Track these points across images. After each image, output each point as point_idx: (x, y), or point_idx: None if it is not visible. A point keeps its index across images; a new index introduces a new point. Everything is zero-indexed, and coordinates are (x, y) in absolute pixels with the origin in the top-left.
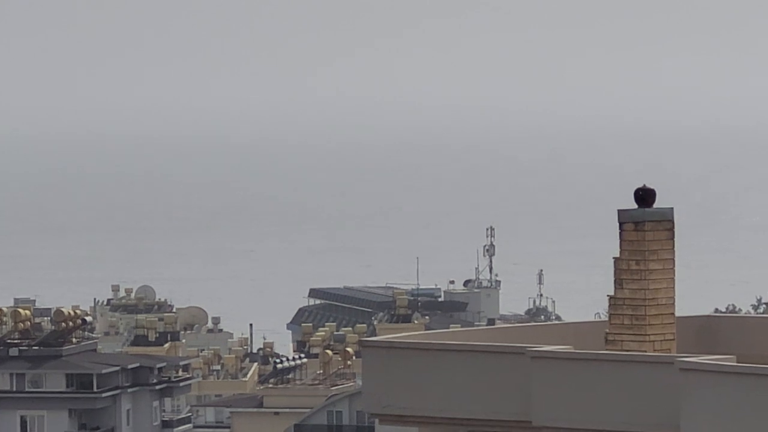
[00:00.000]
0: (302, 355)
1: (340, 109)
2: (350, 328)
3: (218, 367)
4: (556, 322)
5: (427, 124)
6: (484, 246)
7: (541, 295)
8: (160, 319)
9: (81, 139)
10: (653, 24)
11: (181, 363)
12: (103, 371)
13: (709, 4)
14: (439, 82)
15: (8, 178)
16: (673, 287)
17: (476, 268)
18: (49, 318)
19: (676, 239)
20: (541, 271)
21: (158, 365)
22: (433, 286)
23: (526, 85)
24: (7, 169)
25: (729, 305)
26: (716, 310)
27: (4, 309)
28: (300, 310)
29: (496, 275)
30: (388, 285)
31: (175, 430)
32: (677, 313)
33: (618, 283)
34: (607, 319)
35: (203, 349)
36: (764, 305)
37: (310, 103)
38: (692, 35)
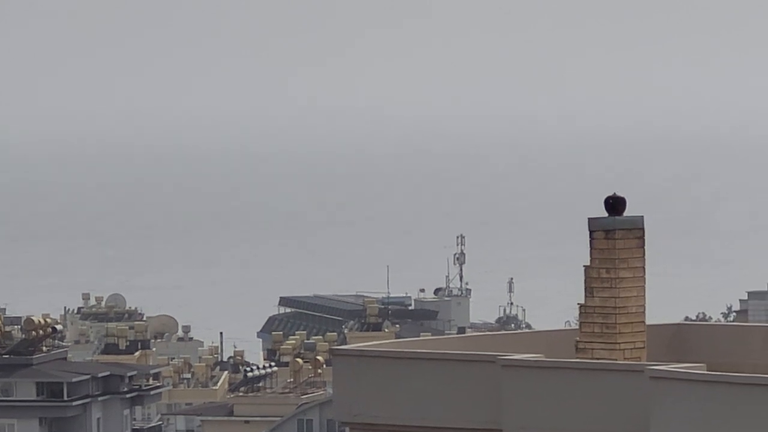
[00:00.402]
0: (272, 364)
1: (312, 117)
2: (321, 337)
3: (189, 376)
4: (527, 330)
5: (398, 132)
6: (455, 254)
7: (512, 303)
8: (131, 328)
9: (52, 146)
10: (627, 32)
11: (152, 371)
12: (74, 380)
13: (690, 13)
14: (410, 91)
15: None
16: (644, 295)
17: (446, 277)
18: (19, 326)
19: (646, 247)
20: (512, 279)
21: (129, 374)
22: (404, 295)
23: (499, 92)
24: None
25: (699, 313)
26: (686, 318)
27: None
28: (270, 318)
29: (467, 283)
30: (358, 293)
31: None
32: (648, 321)
33: (588, 291)
34: (577, 327)
35: (173, 358)
36: (734, 313)
37: (283, 110)
38: (670, 41)
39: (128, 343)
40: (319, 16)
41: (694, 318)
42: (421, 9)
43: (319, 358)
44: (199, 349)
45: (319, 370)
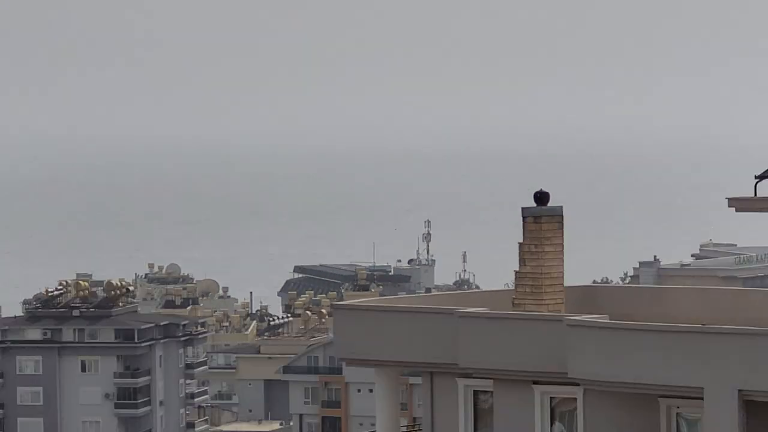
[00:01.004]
0: (289, 315)
1: (304, 120)
2: (324, 295)
3: (227, 324)
4: (477, 290)
5: (379, 137)
6: (423, 234)
7: (465, 270)
8: (184, 288)
9: (151, 141)
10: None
11: (200, 321)
12: (142, 327)
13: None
14: (389, 95)
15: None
16: (562, 264)
17: (417, 251)
18: (102, 288)
19: (564, 229)
20: (465, 252)
21: (183, 323)
22: (386, 264)
23: (468, 99)
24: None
25: (603, 278)
26: (594, 282)
27: (69, 281)
28: (287, 281)
29: (432, 255)
30: (352, 263)
31: (195, 370)
32: (565, 284)
33: (522, 261)
34: (514, 288)
35: (216, 311)
36: (629, 278)
37: (310, 116)
38: (618, 55)
39: (182, 300)
40: (307, 16)
41: (599, 281)
42: (408, 10)
43: (323, 311)
44: (235, 304)
45: (324, 320)
